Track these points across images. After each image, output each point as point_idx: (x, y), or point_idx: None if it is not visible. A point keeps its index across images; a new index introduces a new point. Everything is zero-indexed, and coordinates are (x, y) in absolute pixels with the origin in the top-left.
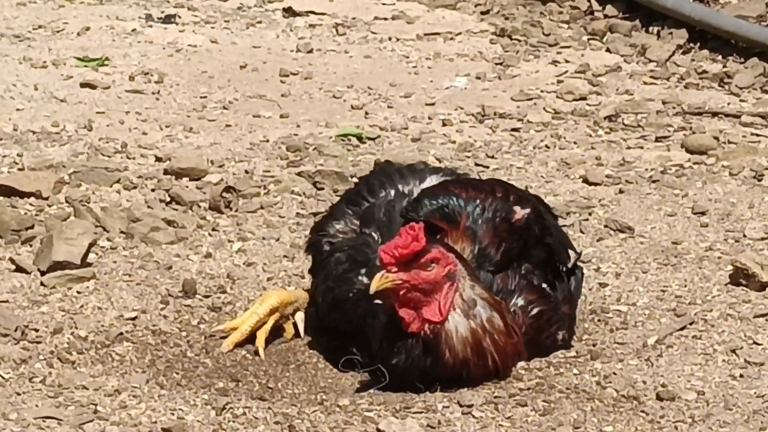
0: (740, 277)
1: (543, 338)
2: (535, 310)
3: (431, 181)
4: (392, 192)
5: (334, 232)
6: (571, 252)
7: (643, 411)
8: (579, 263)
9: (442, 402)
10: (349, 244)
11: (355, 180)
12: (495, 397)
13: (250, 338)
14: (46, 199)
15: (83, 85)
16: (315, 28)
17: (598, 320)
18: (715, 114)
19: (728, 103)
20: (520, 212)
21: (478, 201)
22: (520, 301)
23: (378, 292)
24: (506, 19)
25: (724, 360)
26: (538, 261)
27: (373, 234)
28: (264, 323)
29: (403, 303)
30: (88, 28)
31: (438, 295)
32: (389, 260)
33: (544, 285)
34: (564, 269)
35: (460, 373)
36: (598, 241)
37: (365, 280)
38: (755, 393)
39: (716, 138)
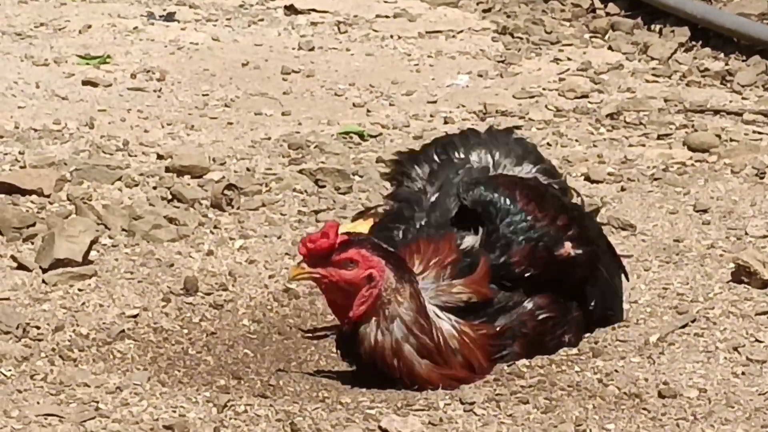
0: (742, 274)
1: (546, 340)
2: (542, 316)
3: (521, 169)
4: (479, 158)
5: (415, 175)
6: (611, 314)
7: (644, 408)
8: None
9: (444, 399)
10: (405, 195)
11: (357, 178)
12: (497, 394)
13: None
14: (48, 196)
15: (85, 82)
16: (317, 26)
17: None
18: (717, 112)
19: (730, 101)
20: (567, 248)
21: (530, 217)
22: (529, 305)
23: (294, 280)
24: (508, 16)
25: (725, 357)
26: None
27: (428, 190)
28: None
29: (331, 301)
30: (89, 26)
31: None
32: (303, 252)
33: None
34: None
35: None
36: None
37: (400, 236)
38: (757, 390)
39: (718, 136)
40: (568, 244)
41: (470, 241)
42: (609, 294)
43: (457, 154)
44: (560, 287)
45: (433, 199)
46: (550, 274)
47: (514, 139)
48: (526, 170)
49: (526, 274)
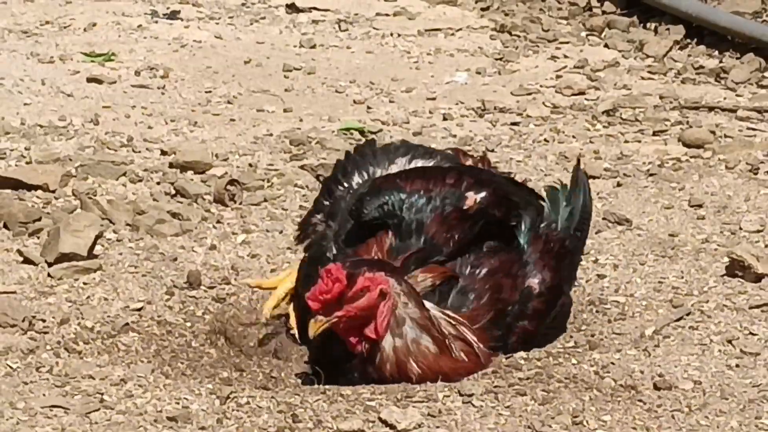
0: (736, 268)
1: (508, 299)
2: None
3: (399, 164)
4: (360, 179)
5: (315, 221)
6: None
7: (640, 400)
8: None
9: (442, 391)
10: (314, 239)
11: None
12: (495, 386)
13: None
14: (53, 191)
15: (90, 80)
16: (318, 24)
17: (597, 311)
18: (711, 108)
19: (724, 98)
20: (471, 198)
21: (422, 192)
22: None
23: (318, 335)
24: (506, 15)
25: (720, 350)
26: (503, 239)
27: (333, 225)
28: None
29: (346, 332)
30: (94, 24)
31: (376, 315)
32: (318, 306)
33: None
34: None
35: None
36: (596, 233)
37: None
38: (751, 382)
39: (713, 132)
40: (470, 194)
41: (389, 240)
42: (536, 206)
43: (340, 188)
44: (492, 238)
45: (335, 227)
46: (470, 230)
47: (380, 148)
48: (402, 164)
49: (451, 242)
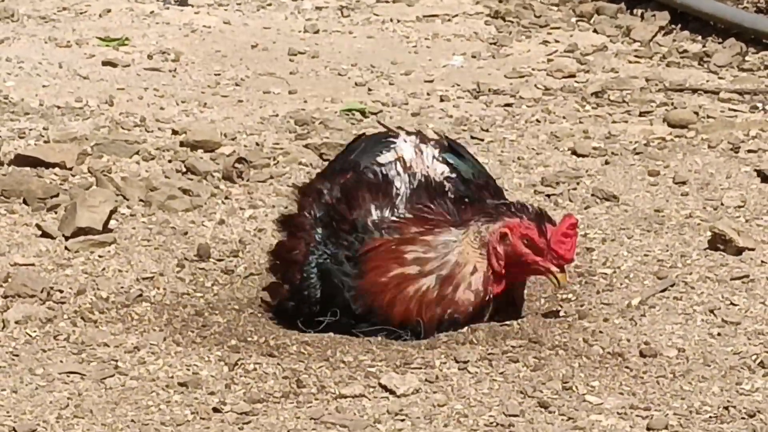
0: (718, 242)
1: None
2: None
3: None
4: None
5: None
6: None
7: (627, 367)
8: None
9: (439, 358)
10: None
11: None
12: (489, 353)
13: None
14: (70, 169)
15: (105, 63)
16: (321, 10)
17: (586, 282)
18: (695, 90)
19: (707, 81)
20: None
21: None
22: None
23: None
24: (500, 1)
25: (702, 319)
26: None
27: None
28: None
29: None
30: (109, 10)
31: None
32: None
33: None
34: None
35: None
36: (585, 208)
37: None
38: (732, 350)
39: (696, 113)
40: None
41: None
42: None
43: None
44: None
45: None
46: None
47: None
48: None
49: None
